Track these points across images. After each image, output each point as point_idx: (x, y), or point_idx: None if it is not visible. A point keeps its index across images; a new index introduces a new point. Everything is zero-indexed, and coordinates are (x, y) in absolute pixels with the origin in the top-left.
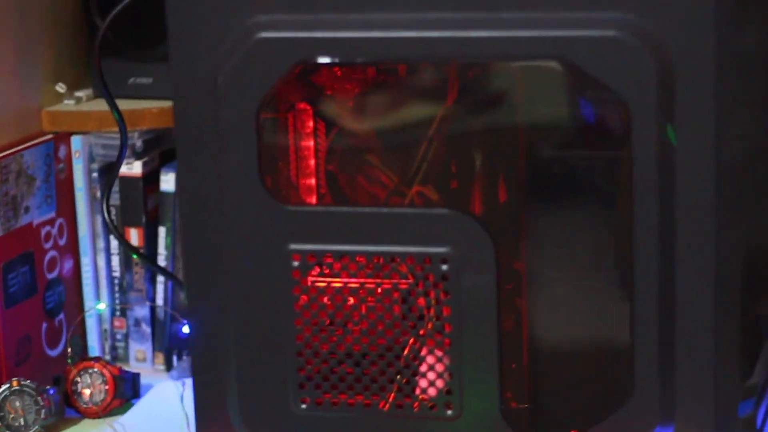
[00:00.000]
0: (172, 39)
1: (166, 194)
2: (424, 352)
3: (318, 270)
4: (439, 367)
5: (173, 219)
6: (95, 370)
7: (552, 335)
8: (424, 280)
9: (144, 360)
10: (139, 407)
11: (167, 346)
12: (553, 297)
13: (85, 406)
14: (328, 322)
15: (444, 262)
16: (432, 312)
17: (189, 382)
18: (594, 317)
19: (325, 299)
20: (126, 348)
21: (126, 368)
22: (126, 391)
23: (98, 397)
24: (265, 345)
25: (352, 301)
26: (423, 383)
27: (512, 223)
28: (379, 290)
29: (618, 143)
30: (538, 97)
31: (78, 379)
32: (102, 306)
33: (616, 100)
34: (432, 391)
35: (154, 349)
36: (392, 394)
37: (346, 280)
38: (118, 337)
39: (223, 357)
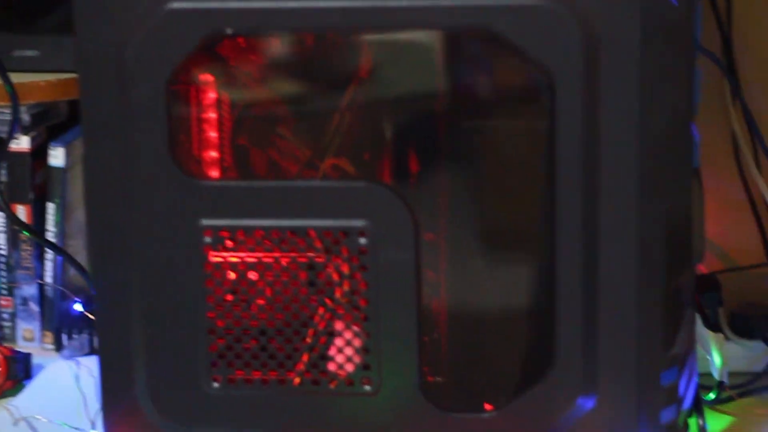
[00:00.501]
0: (77, 11)
1: (54, 169)
2: (340, 327)
3: (230, 246)
4: (357, 343)
5: (62, 195)
6: None
7: (470, 308)
8: (341, 254)
9: (32, 339)
10: (33, 388)
11: (56, 325)
12: (471, 269)
13: None
14: (240, 298)
15: (361, 235)
16: (349, 287)
17: (83, 361)
18: (513, 289)
19: (238, 275)
20: (13, 327)
21: (14, 348)
22: (18, 372)
23: None
24: (174, 323)
25: (265, 276)
26: (340, 359)
27: (429, 195)
28: (294, 265)
29: (540, 113)
30: (455, 66)
31: None
32: None
33: (540, 69)
34: (349, 367)
35: (42, 328)
36: (307, 371)
37: (259, 255)
38: (5, 316)
39: (130, 336)
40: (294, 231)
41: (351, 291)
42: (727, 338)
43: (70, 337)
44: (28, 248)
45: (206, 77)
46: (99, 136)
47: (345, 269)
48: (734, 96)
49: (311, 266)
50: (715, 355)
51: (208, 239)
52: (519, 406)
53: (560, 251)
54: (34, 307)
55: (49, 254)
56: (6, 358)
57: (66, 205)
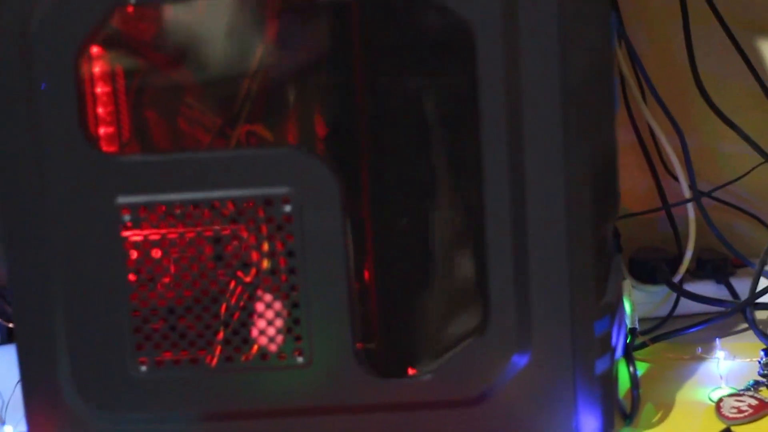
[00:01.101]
0: None
1: None
2: (269, 299)
3: (150, 223)
4: (286, 314)
5: None
6: None
7: (399, 271)
8: (267, 223)
9: None
10: None
11: None
12: (398, 230)
13: None
14: (162, 276)
15: (285, 202)
16: (275, 257)
17: None
18: (442, 249)
19: (160, 253)
20: None
21: None
22: None
23: None
24: (96, 306)
25: (187, 252)
26: (270, 332)
27: (353, 157)
28: (217, 239)
29: (459, 66)
30: (371, 23)
31: None
32: None
33: (459, 21)
34: (280, 340)
35: None
36: (237, 347)
37: (181, 231)
38: None
39: (50, 323)
40: (216, 203)
41: (277, 261)
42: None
43: None
44: None
45: (95, 50)
46: (4, 116)
47: (273, 239)
48: (619, 36)
49: (235, 238)
50: (626, 302)
51: (126, 217)
52: (454, 368)
53: (488, 205)
54: None
55: None
56: None
57: None
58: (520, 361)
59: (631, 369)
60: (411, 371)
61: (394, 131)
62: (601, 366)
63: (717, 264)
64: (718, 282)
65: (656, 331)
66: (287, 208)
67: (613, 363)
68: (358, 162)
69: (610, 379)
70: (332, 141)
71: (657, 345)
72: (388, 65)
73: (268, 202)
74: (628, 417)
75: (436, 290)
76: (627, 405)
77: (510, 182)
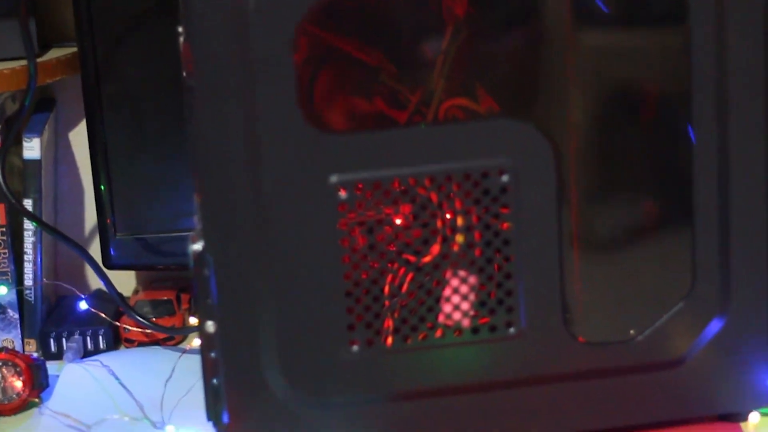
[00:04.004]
0: None
1: (30, 163)
2: (482, 271)
3: (365, 200)
4: (499, 286)
5: (39, 190)
6: (8, 361)
7: (603, 239)
8: (483, 195)
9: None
10: (62, 396)
11: (39, 330)
12: (603, 200)
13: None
14: (379, 255)
15: (502, 173)
16: (491, 229)
17: (96, 362)
18: (645, 218)
19: (375, 231)
20: None
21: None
22: (42, 379)
23: (12, 392)
24: (307, 288)
25: (404, 228)
26: (483, 305)
27: (564, 127)
28: (433, 213)
29: (672, 40)
30: None
31: None
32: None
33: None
34: (492, 312)
35: (23, 336)
36: (449, 321)
37: (396, 207)
38: None
39: (256, 309)
40: (432, 177)
41: (494, 233)
42: None
43: (58, 341)
44: (4, 251)
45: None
46: (217, 96)
47: (486, 211)
48: None
49: (451, 212)
50: None
51: (342, 196)
52: (661, 332)
53: (696, 174)
54: (13, 314)
55: (29, 255)
56: (29, 366)
57: (43, 199)
58: (719, 323)
59: None
60: (617, 337)
61: (603, 105)
62: None
63: None
64: None
65: None
66: (504, 179)
67: None
68: (569, 128)
69: None
70: (541, 112)
71: None
72: (602, 41)
73: (485, 173)
74: None
75: (639, 256)
76: None
77: (717, 152)
